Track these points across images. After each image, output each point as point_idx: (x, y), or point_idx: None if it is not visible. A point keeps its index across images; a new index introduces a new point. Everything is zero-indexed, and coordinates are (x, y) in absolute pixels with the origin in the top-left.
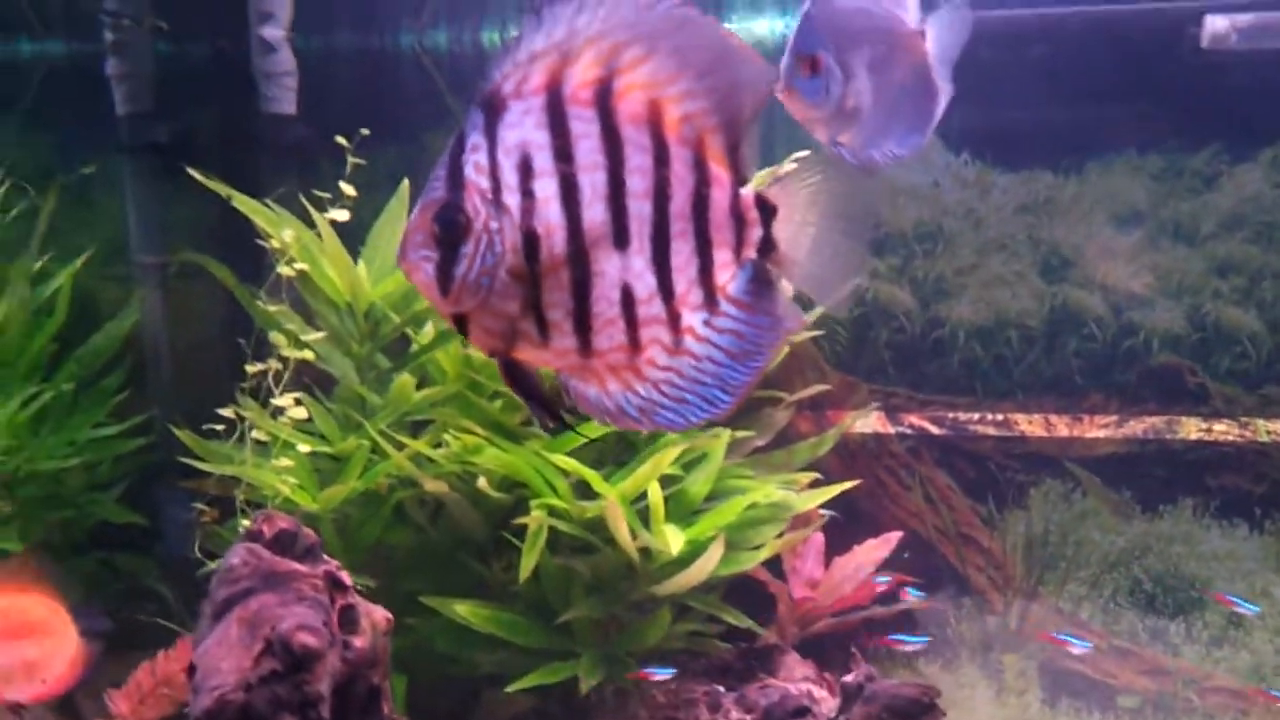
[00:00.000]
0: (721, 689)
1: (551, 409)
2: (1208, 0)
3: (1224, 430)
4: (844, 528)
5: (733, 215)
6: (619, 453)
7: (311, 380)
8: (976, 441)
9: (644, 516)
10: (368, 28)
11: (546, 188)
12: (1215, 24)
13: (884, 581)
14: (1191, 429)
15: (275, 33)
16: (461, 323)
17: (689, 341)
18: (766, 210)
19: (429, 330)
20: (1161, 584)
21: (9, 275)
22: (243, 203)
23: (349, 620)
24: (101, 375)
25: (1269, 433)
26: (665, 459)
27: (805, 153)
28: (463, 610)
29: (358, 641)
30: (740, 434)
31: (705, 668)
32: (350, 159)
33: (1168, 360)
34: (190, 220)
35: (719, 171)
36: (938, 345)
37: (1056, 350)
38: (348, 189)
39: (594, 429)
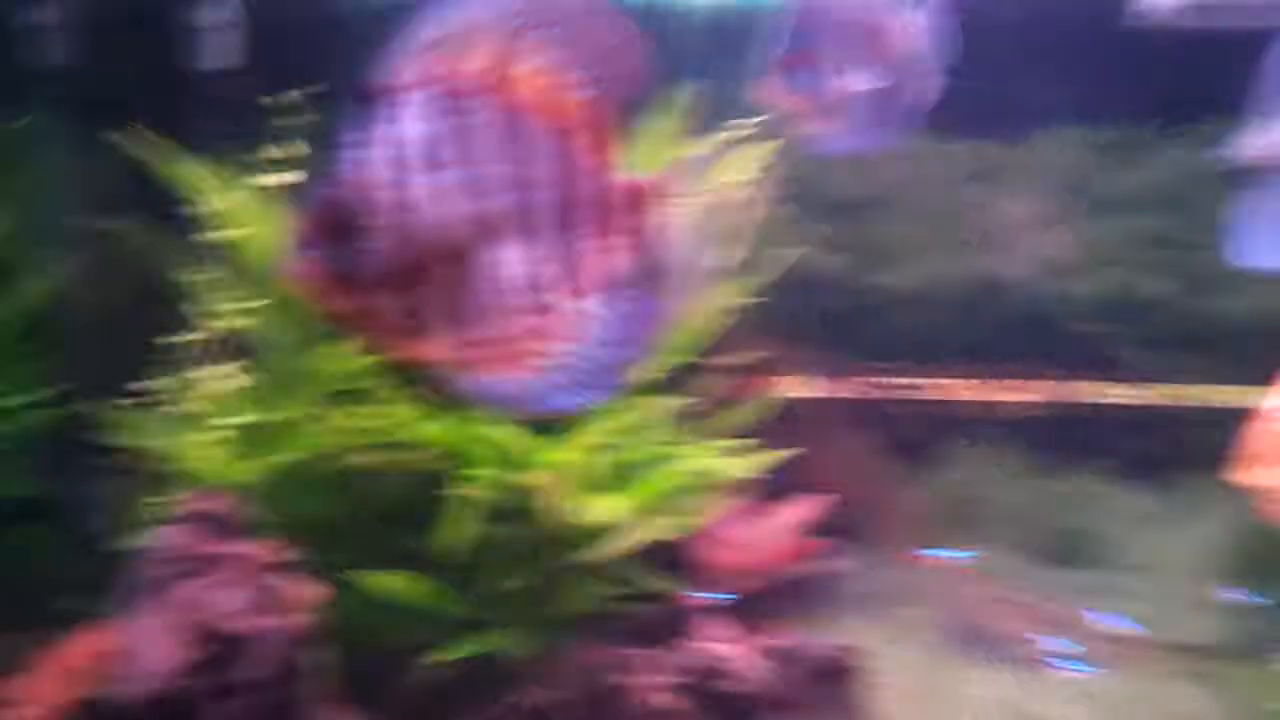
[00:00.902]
0: (645, 652)
1: (449, 400)
2: None
3: (1131, 394)
4: (772, 490)
5: (618, 203)
6: (552, 422)
7: (236, 350)
8: (901, 405)
9: (576, 484)
10: None
11: (436, 180)
12: (1154, 1)
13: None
14: (1100, 392)
15: None
16: (352, 320)
17: (579, 326)
18: (649, 199)
19: None
20: (1068, 541)
21: None
22: (170, 166)
23: (280, 599)
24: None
25: (1171, 396)
26: (598, 427)
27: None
28: (390, 582)
29: (290, 620)
30: (674, 400)
31: (627, 630)
32: (291, 118)
33: (1088, 328)
34: (114, 179)
35: (603, 160)
36: (868, 312)
37: (982, 317)
38: (292, 151)
39: None
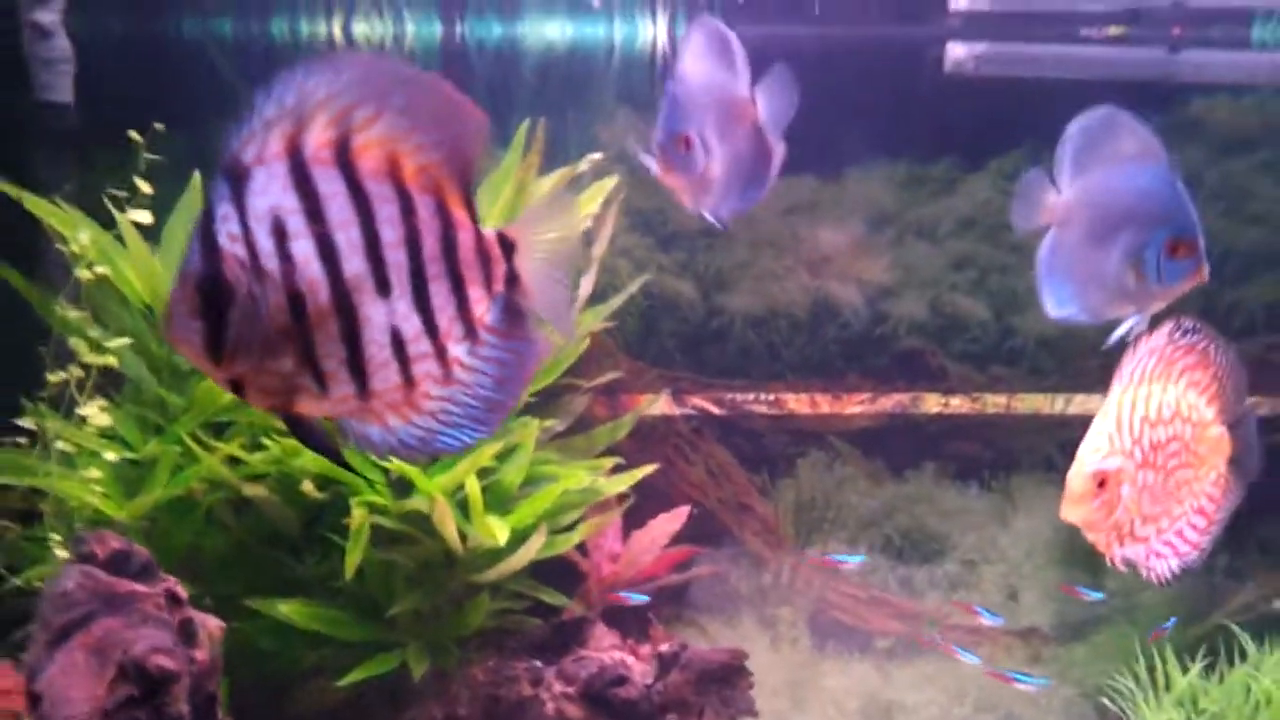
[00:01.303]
0: (540, 664)
1: (337, 455)
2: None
3: (959, 404)
4: (637, 503)
5: (478, 253)
6: None
7: (103, 385)
8: (751, 419)
9: (463, 507)
10: (149, 14)
11: (303, 248)
12: (955, 51)
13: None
14: (932, 403)
15: (49, 17)
16: (238, 386)
17: (457, 371)
18: (508, 247)
19: None
20: (908, 539)
21: None
22: (35, 205)
23: (189, 634)
24: None
25: (995, 406)
26: (483, 454)
27: (598, 155)
28: (286, 609)
29: (198, 654)
30: (545, 422)
31: (520, 644)
32: (144, 155)
33: (913, 344)
34: None
35: (460, 215)
36: (717, 333)
37: (819, 336)
38: (143, 186)
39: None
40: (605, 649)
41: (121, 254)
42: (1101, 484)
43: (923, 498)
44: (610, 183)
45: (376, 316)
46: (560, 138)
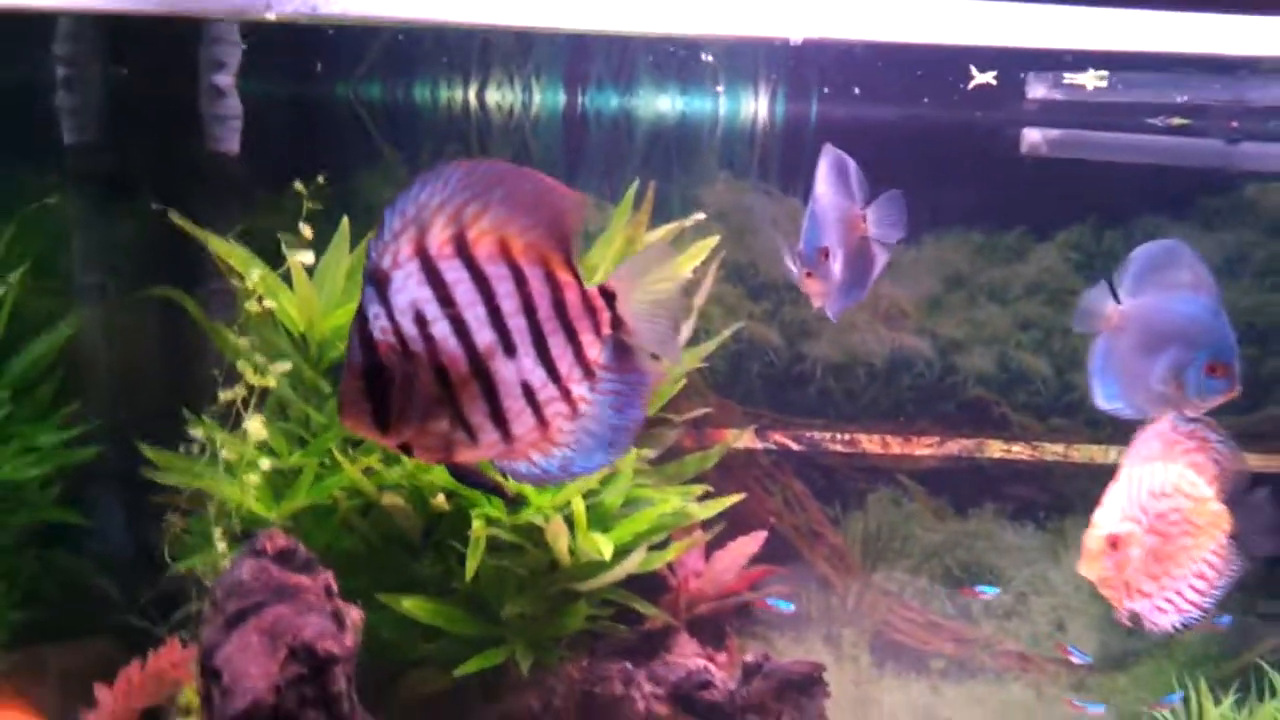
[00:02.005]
0: (630, 666)
1: (496, 488)
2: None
3: (1019, 450)
4: (721, 526)
5: (585, 307)
6: None
7: (263, 405)
8: (827, 456)
9: (569, 523)
10: (308, 77)
11: (441, 329)
12: (1030, 135)
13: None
14: (995, 449)
15: (225, 79)
16: (407, 449)
17: (582, 407)
18: (609, 297)
19: None
20: (967, 570)
21: None
22: (217, 244)
23: (339, 621)
24: (35, 386)
25: (1053, 453)
26: (589, 477)
27: (701, 215)
28: (409, 604)
29: (347, 640)
30: (642, 451)
31: (610, 648)
32: (306, 203)
33: (979, 394)
34: (123, 243)
35: (565, 277)
36: (799, 377)
37: (893, 384)
38: (306, 231)
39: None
40: (688, 656)
41: (283, 290)
42: (1114, 545)
43: (982, 534)
44: (711, 240)
45: (508, 374)
46: (666, 198)
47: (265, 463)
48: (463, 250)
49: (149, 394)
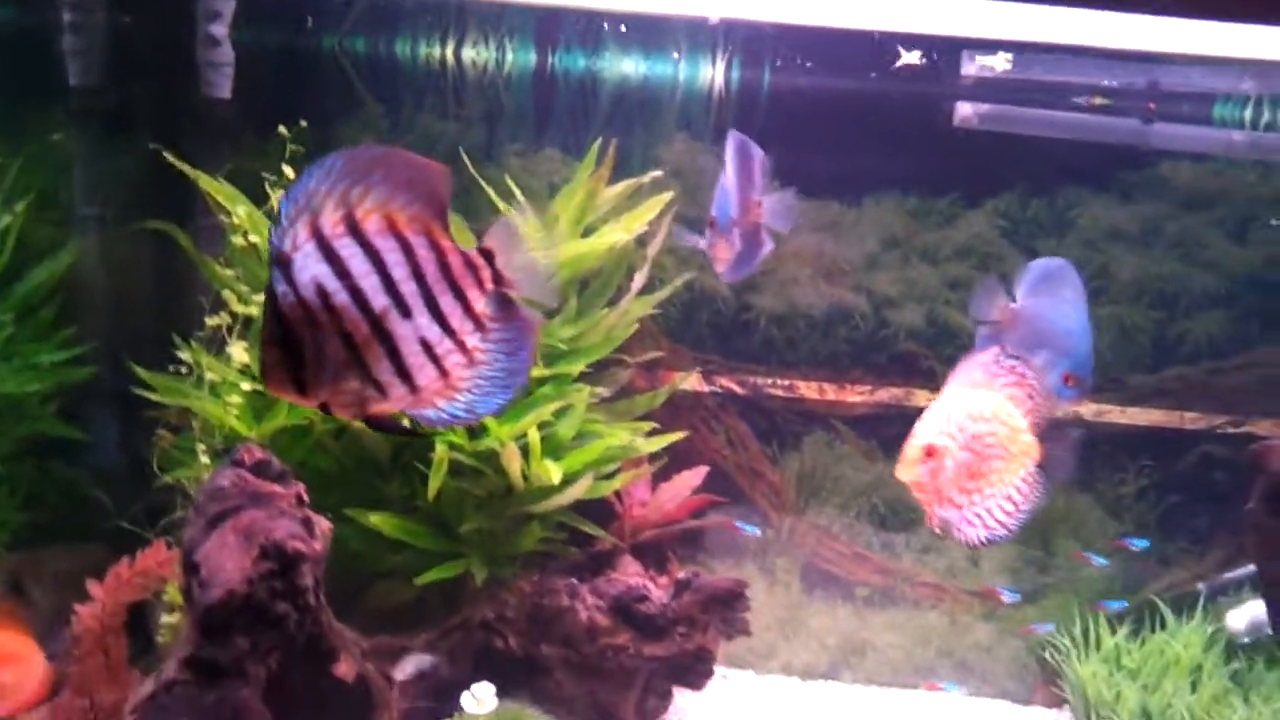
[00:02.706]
0: (576, 582)
1: (409, 432)
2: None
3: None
4: (666, 462)
5: (468, 266)
6: None
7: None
8: (768, 400)
9: (524, 452)
10: (297, 29)
11: (341, 299)
12: (963, 109)
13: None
14: (922, 398)
15: (220, 29)
16: (326, 407)
17: (477, 356)
18: (488, 255)
19: None
20: (891, 509)
21: None
22: (207, 182)
23: (309, 527)
24: (37, 309)
25: (1063, 430)
26: (545, 410)
27: (658, 172)
28: (376, 520)
29: (316, 545)
30: (595, 389)
31: (560, 567)
32: (290, 146)
33: (910, 348)
34: (121, 178)
35: (446, 243)
36: (745, 326)
37: (831, 335)
38: (289, 172)
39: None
40: (631, 575)
41: (266, 226)
42: (929, 454)
43: None
44: (666, 195)
45: (406, 332)
46: (628, 155)
47: (246, 385)
48: (353, 228)
49: (141, 319)
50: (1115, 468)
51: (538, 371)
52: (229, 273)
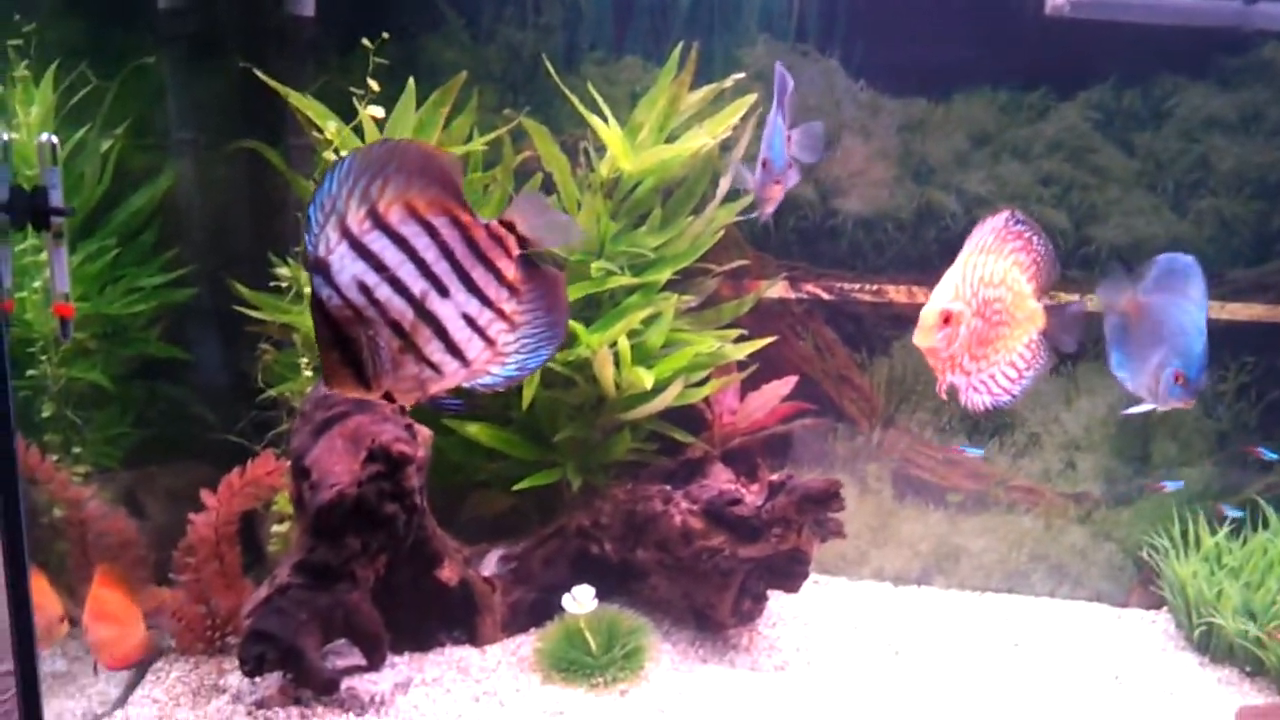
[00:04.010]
0: (669, 488)
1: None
2: None
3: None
4: (754, 372)
5: (492, 237)
6: (587, 310)
7: None
8: (856, 305)
9: (615, 360)
10: None
11: (384, 292)
12: None
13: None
14: None
15: None
16: (389, 396)
17: (517, 318)
18: (509, 225)
19: None
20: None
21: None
22: (298, 100)
23: (412, 434)
24: (138, 233)
25: (1067, 303)
26: (635, 317)
27: (740, 75)
28: (474, 430)
29: (419, 450)
30: (683, 297)
31: (652, 474)
32: (374, 59)
33: None
34: (212, 101)
35: (467, 219)
36: (831, 231)
37: (919, 237)
38: (374, 85)
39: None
40: (722, 481)
41: (356, 142)
42: (946, 320)
43: None
44: (750, 98)
45: (448, 311)
46: (709, 59)
47: None
48: (378, 221)
49: (239, 240)
50: (1215, 365)
51: (625, 280)
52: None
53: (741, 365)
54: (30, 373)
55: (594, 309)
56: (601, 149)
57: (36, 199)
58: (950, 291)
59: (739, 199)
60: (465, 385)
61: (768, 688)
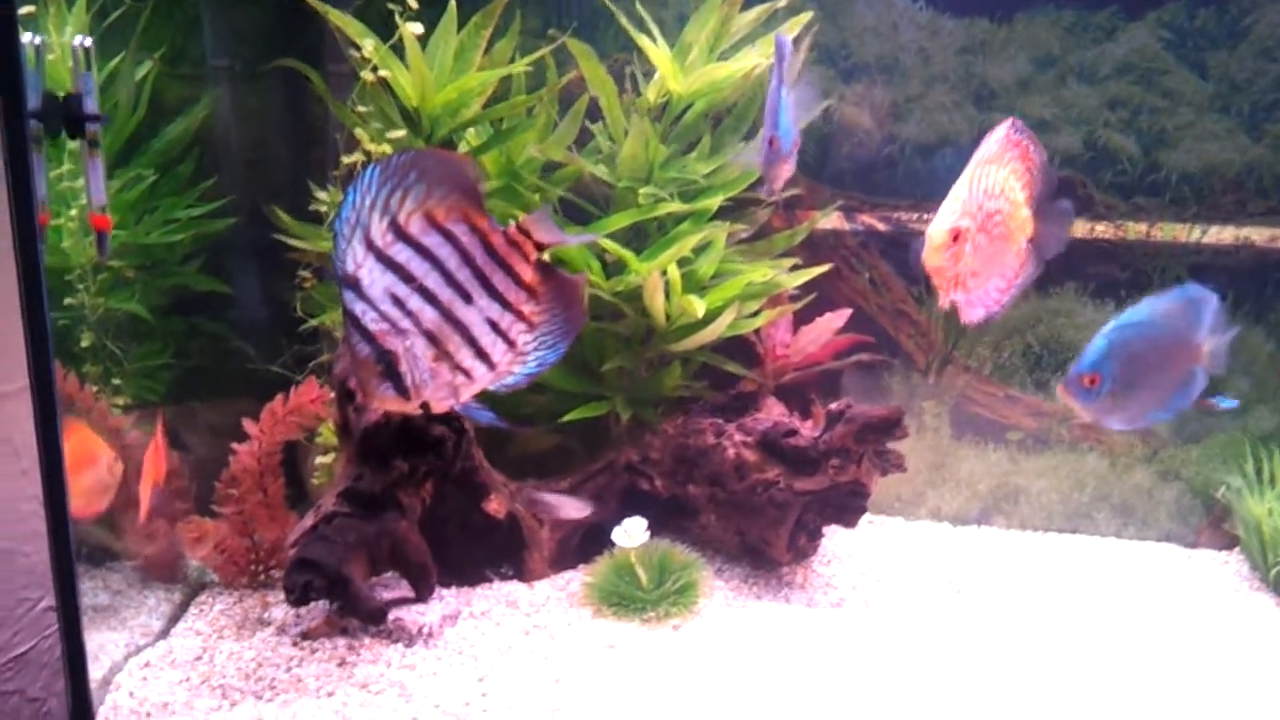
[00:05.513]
0: (723, 421)
1: (497, 420)
2: None
3: (1103, 230)
4: (807, 306)
5: (510, 243)
6: (635, 241)
7: None
8: (913, 236)
9: (665, 290)
10: None
11: (415, 302)
12: None
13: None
14: (1079, 228)
15: None
16: (425, 406)
17: (535, 319)
18: (525, 231)
19: (472, 133)
20: (1046, 347)
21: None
22: (336, 16)
23: None
24: (176, 163)
25: (1136, 233)
26: (686, 244)
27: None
28: None
29: None
30: (734, 225)
31: (703, 409)
32: None
33: (1065, 173)
34: (248, 28)
35: (485, 225)
36: (888, 159)
37: None
38: (412, 1)
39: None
40: (775, 415)
41: (396, 63)
42: (955, 238)
43: (1062, 311)
44: (805, 17)
45: (473, 317)
46: None
47: None
48: (400, 233)
49: (277, 170)
50: None
51: (674, 206)
52: (360, 109)
53: (794, 298)
54: (68, 301)
55: (642, 240)
56: (649, 73)
57: (70, 105)
58: (958, 207)
59: None
60: (490, 388)
61: (825, 624)
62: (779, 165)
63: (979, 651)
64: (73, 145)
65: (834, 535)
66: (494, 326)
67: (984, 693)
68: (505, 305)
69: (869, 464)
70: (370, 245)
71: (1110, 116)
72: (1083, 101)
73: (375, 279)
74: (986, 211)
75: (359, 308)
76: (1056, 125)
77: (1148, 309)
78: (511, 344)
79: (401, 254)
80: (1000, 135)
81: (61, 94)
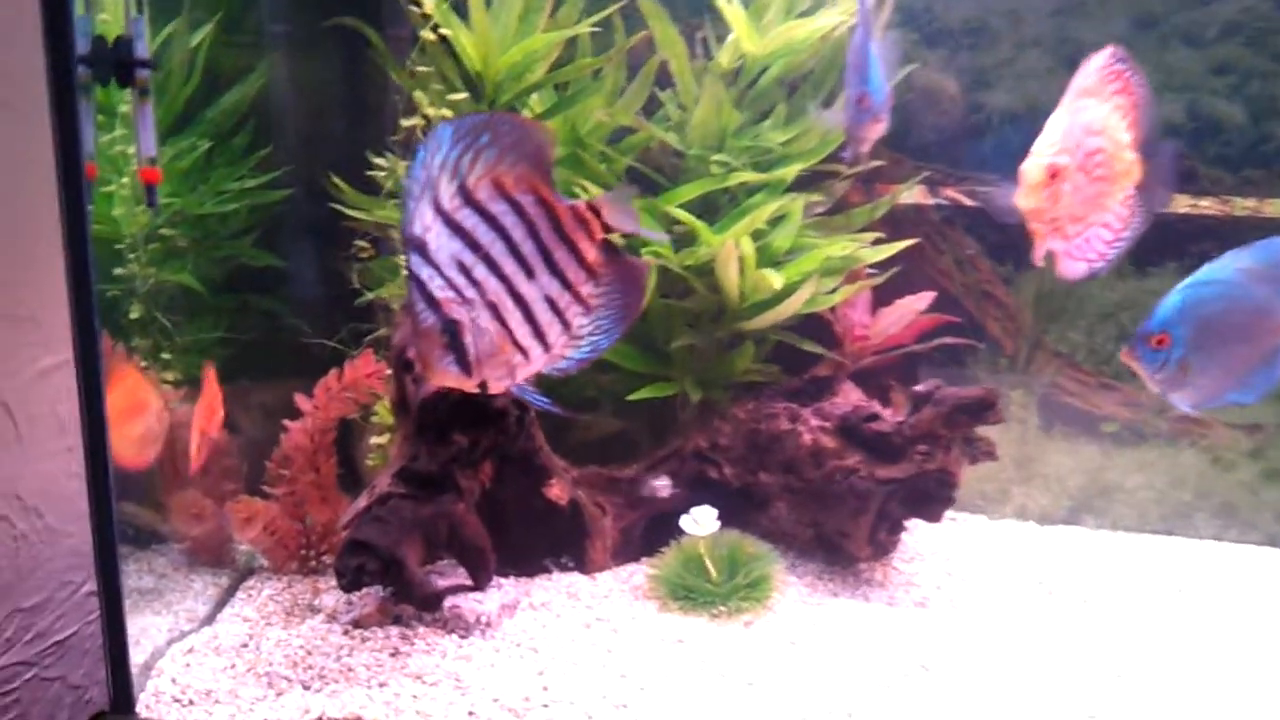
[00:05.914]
0: (797, 405)
1: (549, 405)
2: None
3: (1207, 206)
4: (887, 285)
5: (576, 219)
6: (706, 213)
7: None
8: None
9: (738, 263)
10: None
11: (481, 271)
12: None
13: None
14: (1182, 204)
15: None
16: (484, 385)
17: (592, 302)
18: (594, 209)
19: (536, 99)
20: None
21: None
22: None
23: None
24: (231, 134)
25: (1244, 208)
26: (760, 215)
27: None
28: None
29: None
30: (811, 197)
31: (776, 393)
32: None
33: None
34: None
35: (552, 198)
36: (975, 129)
37: None
38: None
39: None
40: (854, 401)
41: (458, 25)
42: (1053, 176)
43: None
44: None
45: (534, 293)
46: None
47: None
48: (468, 198)
49: (335, 142)
50: None
51: (748, 175)
52: (420, 71)
53: (873, 276)
54: (118, 271)
55: (712, 212)
56: (721, 36)
57: (120, 50)
58: (1056, 142)
59: None
60: (543, 370)
61: (909, 624)
62: (870, 125)
63: (1076, 657)
64: (124, 109)
65: (914, 532)
66: (552, 305)
67: (1081, 701)
68: (565, 284)
69: (958, 451)
70: (439, 209)
71: (1216, 83)
72: (1186, 66)
73: (443, 244)
74: (1086, 150)
75: (426, 273)
76: (1158, 92)
77: (1231, 265)
78: (567, 325)
79: (469, 220)
80: (1099, 64)
81: (111, 40)
